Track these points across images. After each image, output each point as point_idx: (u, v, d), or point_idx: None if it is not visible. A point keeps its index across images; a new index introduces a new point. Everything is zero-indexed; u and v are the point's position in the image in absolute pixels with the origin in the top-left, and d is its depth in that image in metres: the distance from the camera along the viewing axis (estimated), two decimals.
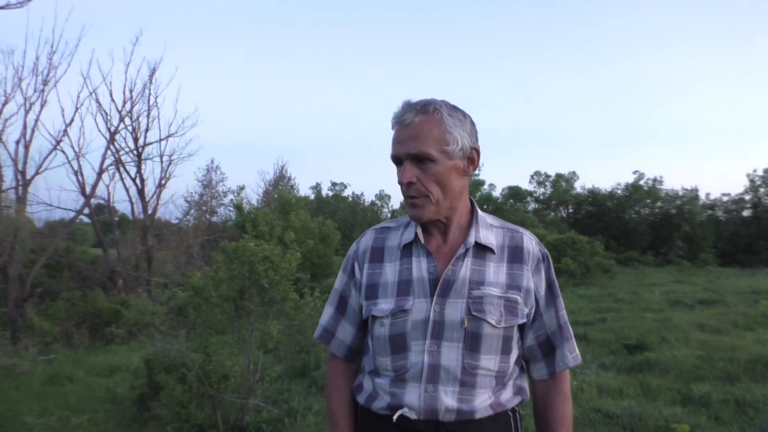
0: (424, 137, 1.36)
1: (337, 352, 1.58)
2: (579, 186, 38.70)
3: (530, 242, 1.49)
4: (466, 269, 1.40)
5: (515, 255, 1.45)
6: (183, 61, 47.97)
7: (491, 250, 1.44)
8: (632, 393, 5.63)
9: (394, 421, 1.38)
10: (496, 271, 1.42)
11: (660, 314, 11.04)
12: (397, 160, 1.41)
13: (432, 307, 1.38)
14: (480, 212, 1.50)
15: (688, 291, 15.62)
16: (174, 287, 9.50)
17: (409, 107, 1.39)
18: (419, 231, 1.46)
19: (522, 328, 1.47)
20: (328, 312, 1.60)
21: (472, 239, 1.43)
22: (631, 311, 11.81)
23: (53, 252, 13.98)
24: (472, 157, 1.44)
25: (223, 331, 5.54)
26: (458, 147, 1.39)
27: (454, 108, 1.42)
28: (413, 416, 1.37)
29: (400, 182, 1.40)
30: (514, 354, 1.45)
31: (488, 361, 1.39)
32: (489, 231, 1.47)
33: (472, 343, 1.37)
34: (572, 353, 1.50)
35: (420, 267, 1.42)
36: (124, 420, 5.43)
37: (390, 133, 1.45)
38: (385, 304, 1.43)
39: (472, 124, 1.45)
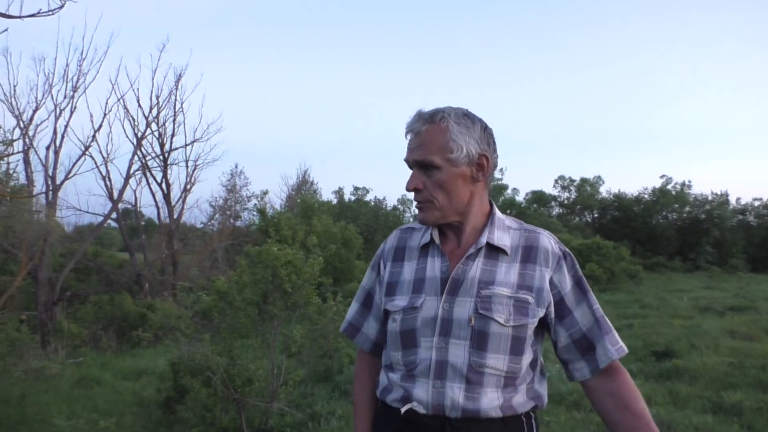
0: (429, 145, 1.42)
1: (363, 346, 1.67)
2: (604, 190, 38.23)
3: (548, 241, 1.49)
4: (476, 269, 1.44)
5: (529, 255, 1.46)
6: (208, 66, 48.62)
7: (504, 252, 1.46)
8: (661, 400, 5.53)
9: (402, 413, 1.43)
10: (507, 272, 1.44)
11: (689, 321, 10.82)
12: (408, 166, 1.48)
13: (441, 304, 1.42)
14: (499, 215, 1.52)
15: (717, 297, 15.30)
16: (199, 291, 9.60)
17: (419, 116, 1.45)
18: (435, 233, 1.51)
19: (547, 329, 1.48)
20: (354, 307, 1.69)
21: (483, 240, 1.46)
22: (659, 317, 11.60)
23: (82, 256, 14.24)
24: (481, 164, 1.45)
25: (247, 335, 5.58)
26: (463, 154, 1.42)
27: (465, 115, 1.45)
28: (421, 410, 1.41)
29: (406, 188, 1.46)
30: (528, 356, 1.44)
31: (495, 360, 1.39)
32: (505, 233, 1.49)
33: (479, 341, 1.39)
34: (615, 345, 1.47)
35: (434, 266, 1.48)
36: (150, 423, 5.49)
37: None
38: (400, 301, 1.49)
39: (484, 130, 1.46)
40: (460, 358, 1.39)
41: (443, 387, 1.39)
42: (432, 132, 1.42)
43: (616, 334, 1.50)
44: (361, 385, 1.66)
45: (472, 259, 1.45)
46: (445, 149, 1.41)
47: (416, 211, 1.49)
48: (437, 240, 1.50)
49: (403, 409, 1.43)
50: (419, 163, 1.44)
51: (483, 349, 1.39)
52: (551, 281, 1.45)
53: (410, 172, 1.49)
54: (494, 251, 1.46)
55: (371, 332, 1.64)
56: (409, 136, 1.46)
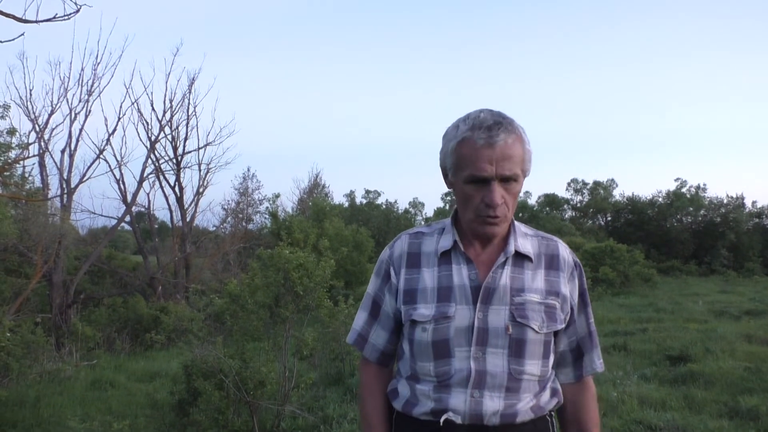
0: (516, 158, 1.36)
1: (370, 356, 1.59)
2: (618, 194, 37.96)
3: (565, 251, 1.52)
4: (506, 277, 1.43)
5: (552, 262, 1.48)
6: (221, 70, 48.85)
7: (529, 258, 1.46)
8: (675, 405, 5.47)
9: (441, 424, 1.39)
10: (534, 278, 1.45)
11: (704, 325, 10.70)
12: (482, 180, 1.36)
13: (476, 314, 1.39)
14: (516, 222, 1.52)
15: (733, 301, 15.12)
16: (211, 294, 9.65)
17: (495, 123, 1.35)
18: (458, 238, 1.47)
19: (556, 333, 1.50)
20: (361, 317, 1.61)
21: (512, 248, 1.45)
22: (674, 321, 11.49)
23: (96, 259, 14.35)
24: (526, 173, 1.46)
25: (259, 337, 5.59)
26: (530, 163, 1.43)
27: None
28: (458, 420, 1.38)
29: (489, 204, 1.36)
30: (552, 358, 1.48)
31: (533, 367, 1.41)
32: (525, 240, 1.49)
33: (517, 349, 1.39)
34: (599, 359, 1.56)
35: (461, 274, 1.43)
36: (163, 425, 5.51)
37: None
38: (425, 310, 1.43)
39: None
40: (499, 367, 1.38)
41: (482, 396, 1.38)
42: (515, 143, 1.36)
43: (600, 350, 1.59)
44: (374, 399, 1.56)
45: (501, 267, 1.43)
46: (523, 160, 1.39)
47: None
48: (461, 245, 1.46)
49: (441, 420, 1.38)
50: (505, 178, 1.36)
51: (521, 357, 1.40)
52: (568, 290, 1.49)
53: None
54: (520, 258, 1.46)
55: (379, 342, 1.57)
56: (483, 146, 1.34)
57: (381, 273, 1.56)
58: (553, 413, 1.51)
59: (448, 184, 1.48)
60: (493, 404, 1.37)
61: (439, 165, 1.49)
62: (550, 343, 1.45)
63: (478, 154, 1.34)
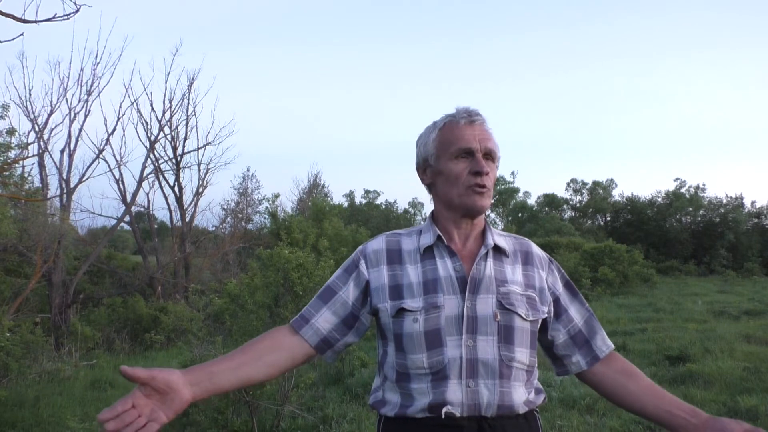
0: (492, 139, 1.52)
1: (308, 338, 1.48)
2: (617, 194, 37.99)
3: (537, 249, 1.61)
4: (490, 268, 1.49)
5: (527, 258, 1.56)
6: (221, 70, 48.85)
7: (505, 254, 1.53)
8: None
9: (443, 417, 1.37)
10: (513, 272, 1.52)
11: (703, 325, 10.71)
12: (468, 152, 1.48)
13: (465, 303, 1.43)
14: (488, 224, 1.61)
15: (732, 301, 15.12)
16: (211, 294, 9.65)
17: (473, 111, 1.53)
18: (442, 234, 1.52)
19: (543, 329, 1.54)
20: (311, 302, 1.54)
21: (491, 241, 1.51)
22: (673, 321, 11.49)
23: (95, 259, 14.35)
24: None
25: None
26: (500, 158, 1.56)
27: None
28: (457, 413, 1.38)
29: (478, 171, 1.46)
30: (535, 351, 1.51)
31: (521, 354, 1.44)
32: (500, 237, 1.57)
33: (506, 335, 1.43)
34: (607, 341, 1.58)
35: (446, 266, 1.47)
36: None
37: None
38: (412, 302, 1.44)
39: None
40: (490, 354, 1.41)
41: (477, 386, 1.39)
42: (489, 128, 1.54)
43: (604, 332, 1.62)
44: (261, 338, 1.46)
45: (484, 258, 1.50)
46: (497, 147, 1.54)
47: (470, 196, 1.42)
48: (445, 239, 1.51)
49: (443, 412, 1.37)
50: (488, 153, 1.50)
51: (510, 343, 1.43)
52: (547, 282, 1.55)
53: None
54: (498, 253, 1.53)
55: (324, 326, 1.48)
56: (465, 125, 1.50)
57: (349, 265, 1.54)
58: (537, 410, 1.53)
59: (430, 176, 1.55)
60: (488, 392, 1.39)
61: (416, 165, 1.60)
62: (535, 333, 1.50)
63: (462, 131, 1.49)
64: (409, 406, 1.42)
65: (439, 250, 1.50)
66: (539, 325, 1.51)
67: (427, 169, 1.56)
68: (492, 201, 1.58)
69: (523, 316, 1.45)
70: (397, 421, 1.45)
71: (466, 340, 1.40)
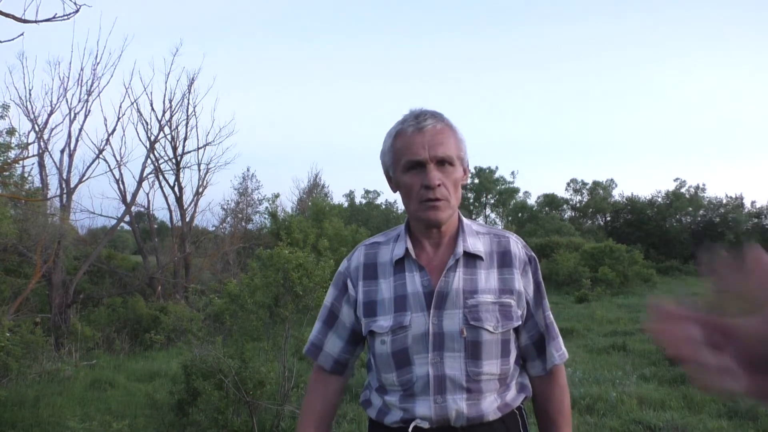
0: (448, 143, 1.43)
1: (324, 364, 1.61)
2: (617, 194, 38.01)
3: (516, 246, 1.53)
4: (458, 280, 1.45)
5: (504, 259, 1.50)
6: (221, 70, 48.78)
7: (480, 258, 1.47)
8: (675, 405, 5.48)
9: (409, 430, 1.43)
10: (487, 278, 1.46)
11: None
12: (417, 164, 1.42)
13: (430, 320, 1.42)
14: (466, 220, 1.54)
15: None
16: (211, 294, 9.64)
17: (424, 114, 1.44)
18: (410, 245, 1.49)
19: (516, 329, 1.52)
20: (316, 327, 1.64)
21: (460, 249, 1.46)
22: None
23: (95, 259, 14.35)
24: (466, 169, 1.51)
25: (259, 337, 5.59)
26: (467, 157, 1.49)
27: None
28: (426, 425, 1.42)
29: (427, 185, 1.40)
30: (513, 355, 1.50)
31: (490, 367, 1.44)
32: (476, 239, 1.51)
33: (473, 351, 1.42)
34: (558, 351, 1.56)
35: (414, 281, 1.46)
36: (163, 425, 5.51)
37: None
38: (384, 321, 1.46)
39: None
40: (457, 370, 1.42)
41: (445, 401, 1.41)
42: (445, 130, 1.44)
43: (561, 341, 1.59)
44: (310, 399, 1.62)
45: (452, 270, 1.45)
46: (457, 148, 1.46)
47: (424, 210, 1.40)
48: (413, 253, 1.48)
49: (410, 429, 1.43)
50: (440, 160, 1.41)
51: (478, 358, 1.42)
52: (522, 285, 1.51)
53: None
54: (471, 259, 1.49)
55: (333, 350, 1.59)
56: (413, 134, 1.42)
57: (339, 285, 1.59)
58: (522, 407, 1.54)
59: (393, 186, 1.52)
60: (456, 406, 1.40)
61: (383, 171, 1.54)
62: (508, 341, 1.47)
63: (410, 141, 1.42)
64: (386, 413, 1.49)
65: (410, 264, 1.48)
66: (512, 332, 1.49)
67: (391, 180, 1.52)
68: (461, 202, 1.54)
69: (491, 329, 1.42)
70: (377, 425, 1.52)
71: (432, 358, 1.42)
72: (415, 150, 1.41)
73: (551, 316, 1.57)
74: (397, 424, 1.46)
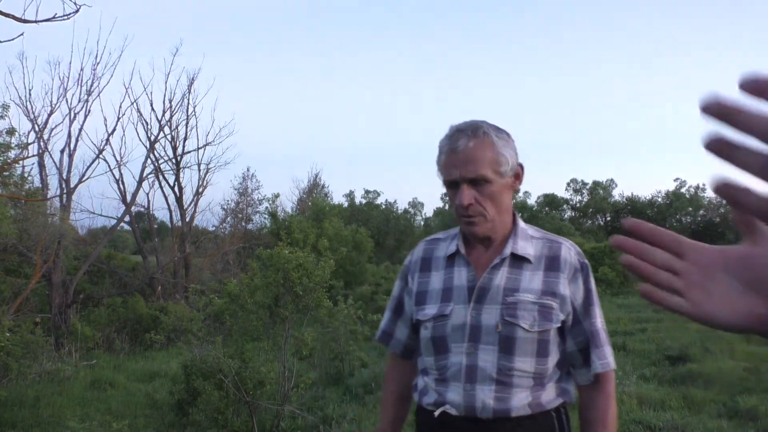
0: (480, 160, 1.45)
1: (395, 349, 1.76)
2: (617, 194, 38.05)
3: (569, 252, 1.56)
4: (501, 278, 1.51)
5: (552, 264, 1.53)
6: (221, 70, 48.76)
7: (528, 261, 1.53)
8: (675, 405, 5.47)
9: (435, 416, 1.51)
10: (531, 279, 1.52)
11: (703, 325, 10.70)
12: (452, 183, 1.50)
13: (469, 312, 1.50)
14: (522, 224, 1.59)
15: None
16: (211, 294, 9.64)
17: (459, 133, 1.48)
18: (461, 243, 1.58)
19: (563, 334, 1.54)
20: (386, 316, 1.79)
21: (508, 250, 1.53)
22: (673, 321, 11.46)
23: (95, 259, 14.34)
24: (518, 173, 1.55)
25: (259, 337, 5.60)
26: (509, 166, 1.49)
27: (498, 129, 1.52)
28: (454, 412, 1.49)
29: (459, 204, 1.47)
30: (554, 357, 1.52)
31: (523, 363, 1.48)
32: (528, 242, 1.56)
33: (506, 346, 1.47)
34: (601, 360, 1.54)
35: (461, 276, 1.55)
36: (163, 425, 5.51)
37: (432, 151, 1.57)
38: (430, 309, 1.57)
39: (513, 141, 1.55)
40: (489, 362, 1.47)
41: (473, 390, 1.47)
42: (480, 147, 1.46)
43: (607, 349, 1.56)
44: (388, 384, 1.79)
45: (497, 268, 1.53)
46: (495, 162, 1.47)
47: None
48: (463, 250, 1.56)
49: (436, 413, 1.51)
50: (471, 180, 1.46)
51: (510, 353, 1.47)
52: (569, 290, 1.53)
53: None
54: (518, 260, 1.53)
55: (402, 336, 1.73)
56: (448, 154, 1.49)
57: (403, 277, 1.72)
58: (563, 412, 1.56)
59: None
60: (484, 397, 1.46)
61: None
62: (547, 342, 1.49)
63: (446, 161, 1.49)
64: (425, 394, 1.59)
65: (459, 259, 1.58)
66: (556, 332, 1.50)
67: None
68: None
69: (526, 327, 1.46)
70: (419, 407, 1.63)
71: (468, 348, 1.49)
72: (448, 171, 1.49)
73: (600, 324, 1.56)
74: (430, 406, 1.54)
